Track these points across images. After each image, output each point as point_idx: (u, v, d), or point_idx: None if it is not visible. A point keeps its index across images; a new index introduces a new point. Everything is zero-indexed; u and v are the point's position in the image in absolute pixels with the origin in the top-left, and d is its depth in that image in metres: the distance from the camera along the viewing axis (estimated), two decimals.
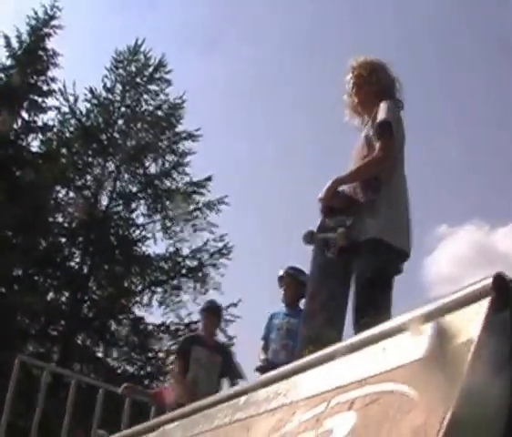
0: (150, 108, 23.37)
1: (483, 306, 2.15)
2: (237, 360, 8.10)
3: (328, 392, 2.61)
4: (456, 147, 25.74)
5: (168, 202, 22.21)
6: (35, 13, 22.18)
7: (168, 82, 23.42)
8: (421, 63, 25.58)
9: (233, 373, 7.66)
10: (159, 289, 21.22)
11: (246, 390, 3.34)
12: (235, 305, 20.36)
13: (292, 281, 7.01)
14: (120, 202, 22.15)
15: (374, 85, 4.87)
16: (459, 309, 2.27)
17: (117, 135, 22.78)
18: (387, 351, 2.48)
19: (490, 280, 2.16)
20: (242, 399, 3.29)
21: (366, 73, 4.92)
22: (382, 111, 4.58)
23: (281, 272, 7.16)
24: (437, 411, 2.03)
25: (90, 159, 22.41)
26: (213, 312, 8.24)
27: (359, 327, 3.79)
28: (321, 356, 2.91)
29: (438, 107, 26.11)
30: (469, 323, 2.16)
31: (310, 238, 4.61)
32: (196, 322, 19.75)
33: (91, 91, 22.78)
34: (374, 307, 4.03)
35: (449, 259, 30.06)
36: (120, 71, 23.44)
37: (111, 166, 22.34)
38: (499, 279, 2.16)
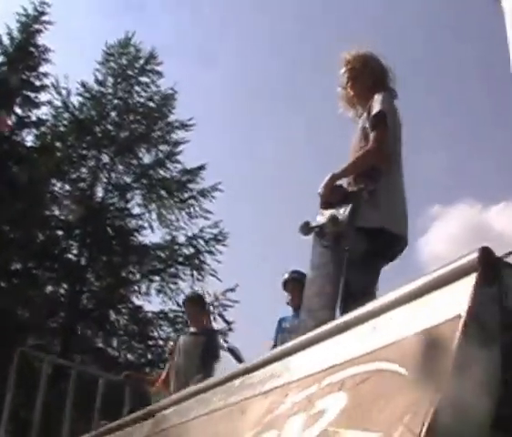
0: (142, 100, 23.40)
1: (470, 281, 2.17)
2: (219, 343, 8.38)
3: (319, 373, 2.65)
4: (448, 128, 25.77)
5: (163, 191, 22.27)
6: (25, 9, 22.19)
7: (160, 74, 23.54)
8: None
9: (210, 353, 7.90)
10: (157, 278, 21.19)
11: (240, 373, 3.38)
12: (232, 290, 20.46)
13: (298, 285, 7.06)
14: (116, 193, 22.15)
15: (369, 77, 4.93)
16: (447, 284, 2.29)
17: (110, 127, 22.79)
18: (377, 330, 2.52)
19: (476, 255, 2.19)
20: (237, 382, 3.34)
21: (360, 65, 4.98)
22: (377, 103, 4.63)
23: (285, 276, 7.31)
24: (428, 388, 2.05)
25: (84, 152, 22.38)
26: (193, 302, 8.53)
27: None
28: (312, 337, 2.95)
29: (431, 90, 26.06)
30: (457, 299, 2.17)
31: (306, 229, 4.69)
32: None
33: (83, 85, 22.86)
34: (363, 292, 4.08)
35: (443, 239, 30.13)
36: (111, 64, 23.49)
37: (105, 158, 22.36)
38: (486, 253, 2.19)
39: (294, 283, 7.15)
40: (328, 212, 4.56)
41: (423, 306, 2.35)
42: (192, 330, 8.21)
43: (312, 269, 4.70)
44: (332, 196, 4.61)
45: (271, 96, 29.37)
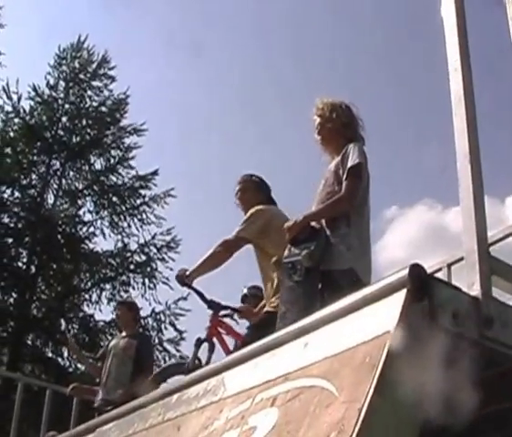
0: (94, 104, 23.25)
1: (400, 297, 2.18)
2: (152, 345, 8.54)
3: (253, 389, 2.64)
4: (404, 126, 25.87)
5: (114, 197, 22.14)
6: None
7: (112, 78, 23.42)
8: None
9: (144, 355, 8.06)
10: (108, 286, 21.08)
11: (178, 388, 3.37)
12: (185, 299, 20.40)
13: (255, 301, 7.27)
14: (66, 200, 21.99)
15: (334, 123, 5.15)
16: (377, 301, 2.31)
17: (61, 132, 22.58)
18: (309, 346, 2.52)
19: (407, 271, 2.21)
20: (174, 397, 3.32)
21: (328, 112, 5.19)
22: (355, 154, 4.85)
23: (244, 291, 7.45)
24: (355, 403, 2.05)
25: (35, 158, 22.19)
26: (126, 307, 8.72)
27: None
28: (247, 352, 2.95)
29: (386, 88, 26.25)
30: (387, 315, 2.18)
31: (278, 264, 4.93)
32: (145, 318, 19.77)
33: (34, 89, 22.59)
34: None
35: (400, 243, 29.88)
36: (63, 68, 23.28)
37: (56, 163, 22.18)
38: (416, 269, 2.20)
39: (252, 299, 7.32)
40: (296, 249, 4.73)
41: (353, 322, 2.36)
42: (124, 334, 8.24)
43: (284, 303, 4.81)
44: (300, 233, 4.79)
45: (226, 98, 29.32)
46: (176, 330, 20.51)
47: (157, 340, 20.19)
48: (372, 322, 2.25)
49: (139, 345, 7.97)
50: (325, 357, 2.36)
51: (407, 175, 27.16)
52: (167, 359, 20.22)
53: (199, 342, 6.22)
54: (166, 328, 20.53)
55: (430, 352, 2.11)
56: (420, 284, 2.19)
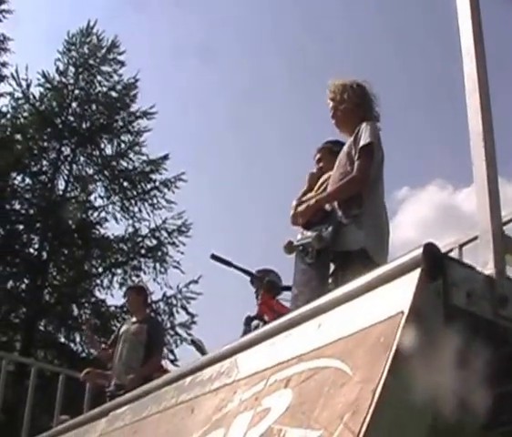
0: (104, 89, 23.23)
1: (414, 277, 2.16)
2: (163, 330, 8.49)
3: (266, 370, 2.63)
4: (415, 108, 25.77)
5: (125, 182, 22.16)
6: None
7: (122, 63, 23.36)
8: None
9: (155, 340, 8.11)
10: (120, 271, 21.12)
11: (191, 370, 3.36)
12: (196, 282, 20.43)
13: (261, 283, 7.25)
14: (77, 185, 22.04)
15: (347, 104, 5.13)
16: (391, 281, 2.30)
17: (71, 118, 22.60)
18: (322, 327, 2.51)
19: (420, 251, 2.19)
20: (188, 379, 3.32)
21: (339, 94, 5.18)
22: (366, 133, 4.83)
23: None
24: (370, 384, 2.04)
25: (45, 144, 22.23)
26: (136, 292, 8.80)
27: None
28: (260, 334, 2.95)
29: (395, 73, 26.10)
30: (401, 295, 2.17)
31: (289, 248, 4.93)
32: (156, 302, 19.81)
33: (44, 75, 22.57)
34: None
35: (412, 224, 29.86)
36: (73, 53, 23.24)
37: (67, 149, 22.20)
38: (430, 248, 2.19)
39: (260, 282, 7.28)
40: (309, 232, 4.79)
41: (367, 302, 2.35)
42: (134, 319, 8.28)
43: (296, 286, 4.89)
44: (313, 216, 4.86)
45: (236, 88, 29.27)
46: (188, 313, 20.56)
47: (168, 325, 20.24)
48: (386, 302, 2.24)
49: (150, 329, 8.02)
50: (339, 337, 2.35)
51: (419, 155, 27.03)
52: (178, 343, 20.31)
53: (248, 320, 6.21)
54: (177, 312, 20.60)
55: (444, 332, 2.11)
56: (434, 263, 2.17)
